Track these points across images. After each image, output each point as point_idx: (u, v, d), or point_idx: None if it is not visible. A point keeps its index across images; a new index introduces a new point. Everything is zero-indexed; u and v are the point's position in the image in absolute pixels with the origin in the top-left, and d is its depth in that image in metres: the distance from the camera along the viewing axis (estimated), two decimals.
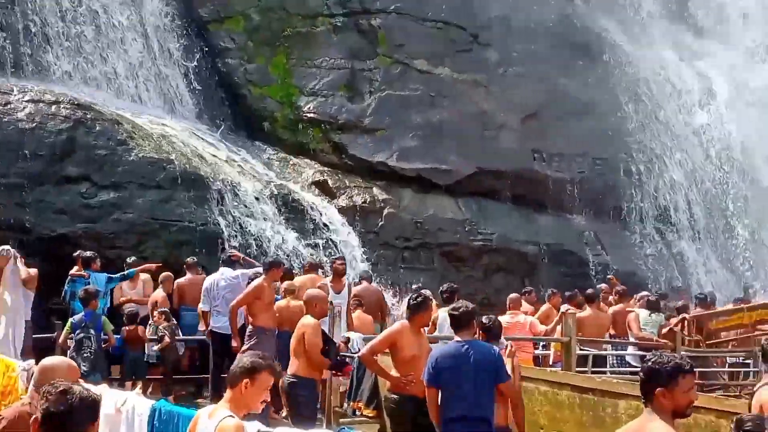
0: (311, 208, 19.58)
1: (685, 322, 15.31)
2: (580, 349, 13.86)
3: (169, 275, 15.06)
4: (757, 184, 24.44)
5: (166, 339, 13.56)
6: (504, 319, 12.58)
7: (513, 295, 15.39)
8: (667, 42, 26.02)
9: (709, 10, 27.18)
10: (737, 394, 13.60)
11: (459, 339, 8.08)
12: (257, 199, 18.60)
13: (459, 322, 8.18)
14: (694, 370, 4.94)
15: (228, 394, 5.39)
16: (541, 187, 22.49)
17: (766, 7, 28.09)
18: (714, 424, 8.63)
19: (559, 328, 13.85)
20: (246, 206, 18.25)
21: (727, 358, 15.87)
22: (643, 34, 25.85)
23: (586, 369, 13.71)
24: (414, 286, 17.14)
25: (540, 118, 23.17)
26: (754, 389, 7.09)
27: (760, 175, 24.57)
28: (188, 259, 15.68)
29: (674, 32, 26.49)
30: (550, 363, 14.63)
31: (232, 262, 13.98)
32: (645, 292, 17.23)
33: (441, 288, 13.86)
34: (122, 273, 14.82)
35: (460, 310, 8.26)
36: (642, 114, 24.24)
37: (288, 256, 17.63)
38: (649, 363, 4.93)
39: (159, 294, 14.82)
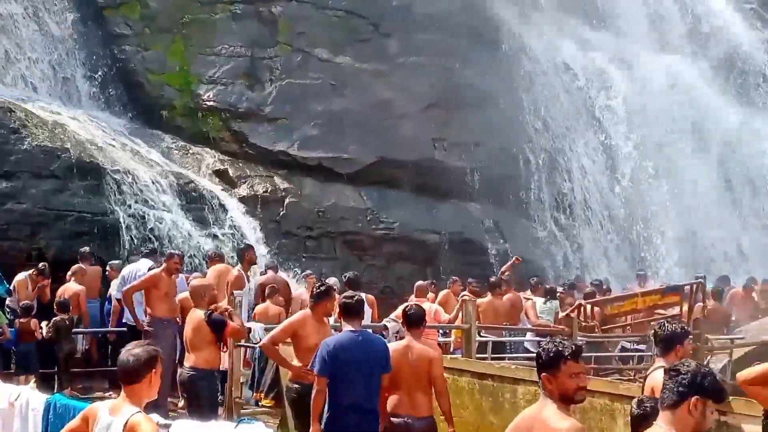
0: (211, 197, 19.37)
1: (582, 308, 15.61)
2: (480, 336, 14.02)
3: (81, 267, 14.77)
4: (652, 170, 25.02)
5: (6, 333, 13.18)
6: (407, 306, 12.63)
7: (419, 283, 15.53)
8: (565, 32, 26.45)
9: (607, 1, 27.69)
10: (632, 378, 13.95)
11: (351, 328, 8.11)
12: (156, 188, 18.31)
13: (351, 312, 8.20)
14: (580, 355, 5.01)
15: (130, 388, 5.22)
16: (442, 176, 22.66)
17: None
18: (609, 408, 8.84)
19: (460, 315, 14.02)
20: (144, 196, 17.95)
21: (622, 343, 16.24)
22: (541, 25, 26.23)
23: (486, 355, 13.89)
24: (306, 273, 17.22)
25: (440, 107, 23.33)
26: (647, 373, 7.28)
27: (656, 164, 25.17)
28: (81, 249, 15.39)
29: (573, 23, 26.94)
30: (451, 350, 14.78)
31: (154, 254, 13.88)
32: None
33: (346, 276, 13.92)
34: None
35: (354, 299, 8.32)
36: (540, 103, 24.62)
37: (188, 246, 17.41)
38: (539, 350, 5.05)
39: (72, 287, 14.48)
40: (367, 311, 14.60)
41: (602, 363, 15.30)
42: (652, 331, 7.40)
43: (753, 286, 18.91)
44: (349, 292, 8.72)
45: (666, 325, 7.13)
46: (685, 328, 7.33)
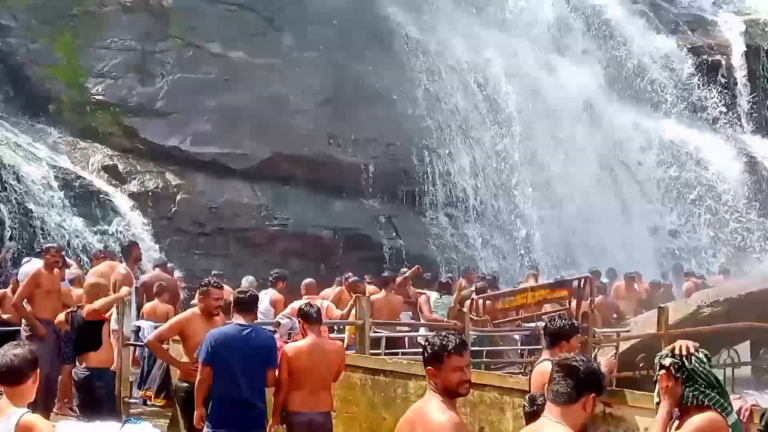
0: (100, 193, 18.96)
1: (474, 303, 15.77)
2: (374, 332, 14.04)
3: None
4: (542, 169, 25.43)
5: None
6: (300, 304, 12.57)
7: (308, 281, 15.44)
8: (458, 31, 26.68)
9: (499, 1, 28.00)
10: (522, 371, 14.16)
11: (241, 322, 8.10)
12: (42, 184, 17.82)
13: (245, 306, 8.20)
14: (465, 349, 5.04)
15: (12, 390, 5.02)
16: (337, 172, 22.65)
17: None
18: (498, 401, 8.93)
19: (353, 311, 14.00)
20: (30, 192, 17.44)
21: (515, 336, 16.47)
22: (434, 23, 26.42)
23: (379, 351, 13.91)
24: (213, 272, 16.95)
25: (335, 103, 23.31)
26: (534, 367, 7.39)
27: (545, 160, 25.59)
28: None
29: (465, 22, 27.20)
30: (345, 346, 14.75)
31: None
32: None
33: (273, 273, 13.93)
34: None
35: (248, 294, 8.31)
36: (433, 101, 24.80)
37: (75, 243, 17.00)
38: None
39: None
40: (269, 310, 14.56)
41: (493, 357, 15.49)
42: (543, 323, 7.52)
43: (633, 278, 19.52)
44: (243, 288, 8.75)
45: (556, 319, 7.25)
46: (575, 324, 7.46)
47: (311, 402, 8.36)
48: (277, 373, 8.24)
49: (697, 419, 5.00)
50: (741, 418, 6.67)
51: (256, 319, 8.56)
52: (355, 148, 23.11)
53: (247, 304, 8.23)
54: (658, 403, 5.15)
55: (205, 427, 8.01)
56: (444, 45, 26.11)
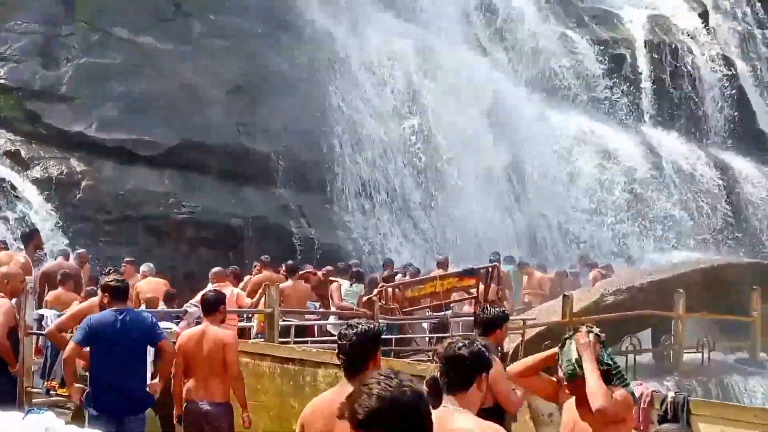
0: (3, 180, 18.49)
1: (384, 291, 15.87)
2: (283, 320, 14.02)
3: None
4: (452, 160, 25.60)
5: None
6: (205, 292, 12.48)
7: (216, 269, 15.35)
8: (371, 22, 26.70)
9: None
10: (430, 359, 14.29)
11: (116, 308, 8.11)
12: None
13: (115, 293, 8.18)
14: (380, 337, 5.16)
15: None
16: (247, 160, 22.49)
17: None
18: None
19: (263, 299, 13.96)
20: None
21: (424, 325, 16.62)
22: (346, 12, 26.39)
23: (289, 339, 13.90)
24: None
25: (246, 91, 23.13)
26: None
27: (455, 151, 25.77)
28: None
29: (378, 13, 27.23)
30: (254, 335, 14.72)
31: None
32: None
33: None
34: None
35: (122, 282, 8.40)
36: (345, 91, 24.78)
37: None
38: None
39: None
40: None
41: (402, 345, 15.61)
42: (474, 313, 7.63)
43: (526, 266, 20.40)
44: (114, 275, 8.83)
45: (488, 308, 7.36)
46: (505, 311, 7.58)
47: (202, 391, 8.39)
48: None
49: (619, 394, 5.40)
50: (642, 404, 6.90)
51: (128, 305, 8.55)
52: (265, 136, 22.96)
53: (120, 291, 8.19)
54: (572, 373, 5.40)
55: (90, 409, 8.05)
56: (356, 34, 26.11)
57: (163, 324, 11.32)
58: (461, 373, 4.42)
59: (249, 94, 23.10)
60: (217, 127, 22.30)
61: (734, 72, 32.63)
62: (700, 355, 16.23)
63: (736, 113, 32.16)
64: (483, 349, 4.52)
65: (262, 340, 13.18)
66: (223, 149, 22.27)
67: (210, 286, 13.74)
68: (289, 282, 15.42)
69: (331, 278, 16.97)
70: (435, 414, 4.53)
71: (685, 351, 16.22)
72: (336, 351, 5.25)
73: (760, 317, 17.29)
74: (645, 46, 31.22)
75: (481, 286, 16.12)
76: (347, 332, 5.04)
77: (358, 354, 5.01)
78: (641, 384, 7.60)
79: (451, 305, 16.78)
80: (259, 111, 22.99)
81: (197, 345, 8.35)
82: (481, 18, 29.58)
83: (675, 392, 7.62)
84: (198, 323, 10.28)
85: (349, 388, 4.94)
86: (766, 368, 16.99)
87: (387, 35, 26.80)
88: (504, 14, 29.83)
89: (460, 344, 4.48)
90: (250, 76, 23.26)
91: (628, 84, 30.46)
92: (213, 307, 8.61)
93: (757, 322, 17.31)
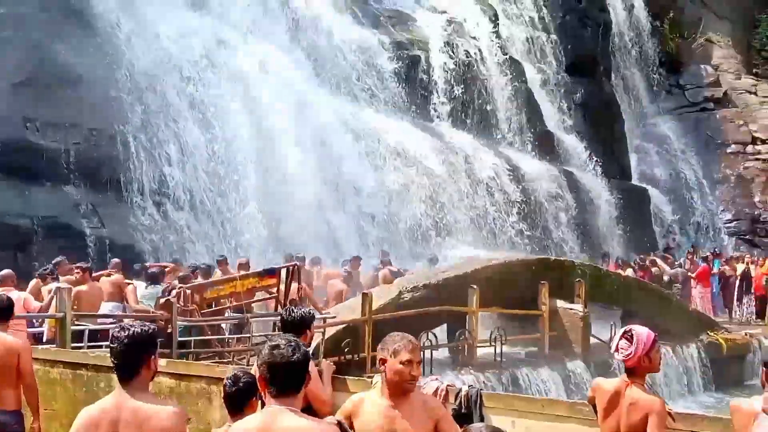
0: None
1: (182, 292, 15.56)
2: (75, 324, 13.49)
3: None
4: (250, 159, 25.37)
5: None
6: None
7: (4, 272, 14.61)
8: (164, 15, 26.12)
9: None
10: (230, 360, 14.15)
11: None
12: None
13: None
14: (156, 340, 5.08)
15: None
16: (35, 157, 21.50)
17: None
18: (206, 390, 8.91)
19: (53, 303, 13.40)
20: None
21: (222, 325, 16.41)
22: (138, 5, 25.73)
23: (82, 345, 13.40)
24: None
25: (32, 85, 22.09)
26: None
27: (256, 150, 25.55)
28: None
29: (172, 5, 26.69)
30: (45, 340, 14.12)
31: None
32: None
33: None
34: None
35: None
36: (140, 86, 24.10)
37: None
38: None
39: None
40: None
41: (203, 346, 15.35)
42: (279, 317, 7.55)
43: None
44: None
45: (293, 309, 7.29)
46: (311, 311, 7.55)
47: None
48: None
49: None
50: (437, 398, 7.05)
51: None
52: (54, 132, 22.02)
53: None
54: None
55: None
56: (147, 26, 25.45)
57: None
58: (292, 375, 4.32)
59: (37, 88, 22.07)
60: (1, 123, 21.23)
61: (522, 74, 34.05)
62: (493, 348, 16.79)
63: (525, 115, 33.59)
64: (307, 351, 4.48)
65: (54, 346, 12.63)
66: (8, 145, 21.17)
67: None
68: (85, 285, 14.91)
69: (126, 281, 16.53)
70: (262, 414, 4.42)
71: (478, 345, 16.74)
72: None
73: (548, 311, 18.08)
74: (439, 49, 32.02)
75: (282, 286, 16.06)
76: (119, 334, 4.90)
77: (130, 357, 4.86)
78: (436, 379, 7.77)
79: (252, 305, 16.66)
80: (47, 105, 22.01)
81: None
82: (279, 14, 29.47)
83: (468, 386, 7.83)
84: None
85: (125, 395, 4.81)
86: (554, 360, 17.78)
87: (183, 30, 26.27)
88: (302, 11, 29.84)
89: (289, 350, 4.35)
90: (37, 69, 22.28)
91: (422, 85, 31.18)
92: (5, 313, 8.22)
93: (545, 316, 18.09)
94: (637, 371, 6.16)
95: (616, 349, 6.20)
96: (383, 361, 5.48)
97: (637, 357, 6.09)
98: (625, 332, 6.23)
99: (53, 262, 16.75)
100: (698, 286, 27.00)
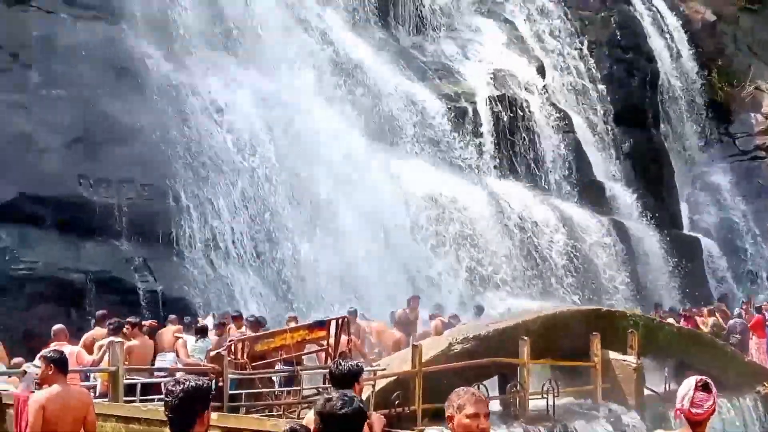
0: None
1: (233, 346, 15.60)
2: (128, 379, 13.58)
3: None
4: (303, 212, 25.45)
5: None
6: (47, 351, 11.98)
7: (57, 327, 14.79)
8: (211, 68, 26.44)
9: (250, 38, 27.89)
10: (281, 413, 14.13)
11: None
12: None
13: None
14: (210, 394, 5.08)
15: None
16: (88, 213, 21.85)
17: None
18: None
19: (106, 357, 13.51)
20: None
21: (274, 379, 16.40)
22: (187, 61, 26.10)
23: (134, 398, 13.47)
24: None
25: (85, 142, 22.55)
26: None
27: (307, 204, 25.65)
28: None
29: (220, 61, 27.04)
30: (97, 394, 14.20)
31: None
32: None
33: None
34: None
35: None
36: (189, 141, 24.40)
37: None
38: None
39: None
40: None
41: (254, 399, 15.33)
42: (328, 371, 7.56)
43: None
44: None
45: (341, 363, 7.29)
46: (359, 364, 7.54)
47: None
48: (25, 424, 7.91)
49: None
50: None
51: None
52: (107, 188, 22.37)
53: None
54: None
55: None
56: (197, 83, 25.81)
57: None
58: (347, 429, 4.38)
59: (90, 145, 22.54)
60: (56, 179, 21.67)
61: (570, 124, 33.95)
62: (545, 401, 16.57)
63: (573, 164, 33.43)
64: (361, 405, 4.51)
65: (106, 400, 12.71)
66: (63, 202, 21.58)
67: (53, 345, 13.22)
68: (138, 339, 15.02)
69: (176, 335, 16.63)
70: None
71: (530, 397, 16.54)
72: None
73: (600, 362, 17.84)
74: (486, 101, 32.06)
75: (332, 338, 16.04)
76: (174, 389, 4.92)
77: (185, 411, 4.88)
78: None
79: (303, 358, 16.64)
80: (100, 162, 22.44)
81: (58, 406, 8.02)
82: (324, 68, 29.65)
83: None
84: (38, 384, 9.85)
85: None
86: (609, 412, 17.50)
87: (230, 83, 26.59)
88: (346, 65, 30.02)
89: (340, 403, 4.41)
90: (90, 126, 22.73)
91: (470, 137, 31.18)
92: (66, 367, 8.36)
93: (597, 368, 17.85)
94: (705, 423, 5.97)
95: (692, 403, 5.92)
96: (450, 419, 5.41)
97: (713, 409, 5.89)
98: (698, 383, 5.97)
99: (97, 315, 16.88)
100: (754, 337, 26.49)
